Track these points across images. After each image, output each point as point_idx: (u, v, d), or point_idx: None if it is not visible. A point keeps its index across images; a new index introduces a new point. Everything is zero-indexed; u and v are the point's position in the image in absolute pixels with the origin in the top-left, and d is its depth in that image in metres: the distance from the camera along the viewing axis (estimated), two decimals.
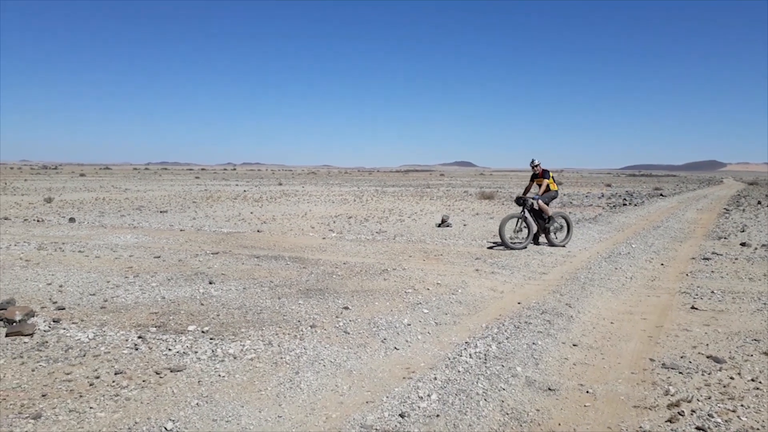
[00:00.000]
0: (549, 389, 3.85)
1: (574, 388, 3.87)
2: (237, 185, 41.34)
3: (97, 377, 3.92)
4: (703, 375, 4.09)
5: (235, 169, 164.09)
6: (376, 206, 20.72)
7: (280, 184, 44.63)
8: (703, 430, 3.22)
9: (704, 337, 5.03)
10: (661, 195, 31.75)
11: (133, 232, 12.14)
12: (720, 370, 4.19)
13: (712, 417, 3.38)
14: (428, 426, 3.32)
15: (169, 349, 4.50)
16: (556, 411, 3.53)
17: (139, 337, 4.77)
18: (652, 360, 4.42)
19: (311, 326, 5.17)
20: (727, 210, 19.89)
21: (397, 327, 5.19)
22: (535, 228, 10.73)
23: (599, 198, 27.54)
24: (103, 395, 3.63)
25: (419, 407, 3.54)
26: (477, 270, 8.09)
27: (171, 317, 5.44)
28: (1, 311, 5.10)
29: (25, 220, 14.23)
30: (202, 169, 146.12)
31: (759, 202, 23.42)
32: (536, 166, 11.06)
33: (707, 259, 9.23)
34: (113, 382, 3.85)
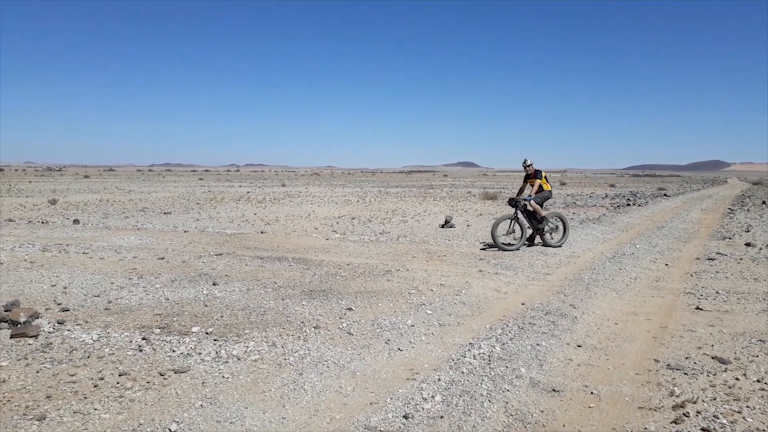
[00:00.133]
0: (553, 390, 3.84)
1: (579, 389, 3.86)
2: (240, 186, 41.43)
3: (102, 378, 3.93)
4: (708, 376, 4.07)
5: (238, 171, 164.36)
6: (379, 207, 20.72)
7: (284, 185, 44.70)
8: (708, 431, 3.20)
9: (709, 337, 5.01)
10: (665, 195, 31.65)
11: (136, 233, 12.17)
12: (725, 371, 4.17)
13: (718, 418, 3.36)
14: (432, 427, 3.31)
15: (173, 351, 4.51)
16: (560, 412, 3.52)
17: (143, 339, 4.78)
18: (656, 361, 4.41)
19: (315, 327, 5.18)
20: (732, 210, 19.80)
21: (401, 328, 5.18)
22: (528, 229, 10.68)
23: (603, 198, 27.46)
24: (108, 396, 3.64)
25: (423, 408, 3.54)
26: (480, 271, 8.08)
27: (175, 318, 5.45)
28: (6, 313, 5.12)
29: (30, 221, 14.29)
30: (206, 171, 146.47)
31: (764, 202, 23.31)
32: (528, 166, 10.95)
33: (712, 259, 9.19)
34: (117, 383, 3.86)
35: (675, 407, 3.51)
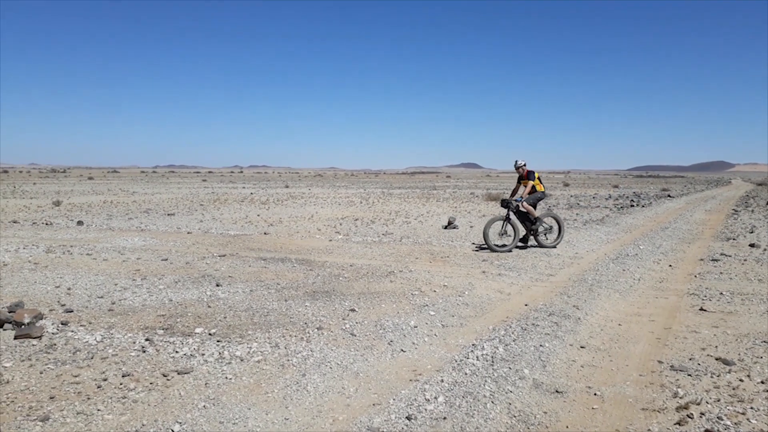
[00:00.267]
0: (556, 391, 3.83)
1: (582, 391, 3.85)
2: (244, 188, 41.50)
3: (105, 379, 3.94)
4: (712, 377, 4.05)
5: (242, 172, 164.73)
6: (382, 208, 20.73)
7: (287, 187, 44.76)
8: None
9: (713, 338, 4.99)
10: (669, 196, 31.56)
11: (140, 234, 12.21)
12: (729, 372, 4.15)
13: (722, 419, 3.35)
14: (435, 428, 3.31)
15: (177, 352, 4.52)
16: (563, 413, 3.51)
17: (147, 340, 4.80)
18: (660, 362, 4.39)
19: (318, 328, 5.18)
20: (736, 211, 19.73)
21: (404, 329, 5.18)
22: (521, 230, 10.65)
23: (606, 199, 27.40)
24: (111, 397, 3.65)
25: (426, 410, 3.53)
26: (484, 272, 8.07)
27: (178, 319, 5.46)
28: (10, 314, 5.14)
29: (34, 223, 14.34)
30: (210, 172, 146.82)
31: None
32: (520, 167, 10.75)
33: (716, 260, 9.16)
34: (121, 384, 3.87)
35: (678, 408, 3.50)
